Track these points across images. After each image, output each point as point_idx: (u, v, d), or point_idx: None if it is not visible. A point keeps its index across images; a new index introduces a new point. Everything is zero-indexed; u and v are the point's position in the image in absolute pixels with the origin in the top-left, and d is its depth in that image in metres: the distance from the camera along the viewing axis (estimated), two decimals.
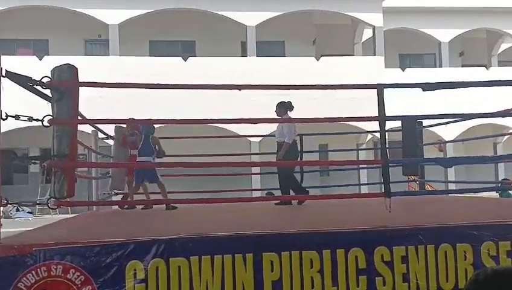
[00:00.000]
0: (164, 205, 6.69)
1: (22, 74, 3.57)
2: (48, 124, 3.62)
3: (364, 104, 15.86)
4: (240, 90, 4.46)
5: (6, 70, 3.31)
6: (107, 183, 7.52)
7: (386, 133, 4.25)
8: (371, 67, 17.97)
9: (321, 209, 5.60)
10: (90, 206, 8.03)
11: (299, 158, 6.97)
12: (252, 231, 3.34)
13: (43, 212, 16.75)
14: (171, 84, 4.58)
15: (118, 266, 3.01)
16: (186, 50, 19.75)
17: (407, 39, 21.26)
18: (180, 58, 17.72)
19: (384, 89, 4.13)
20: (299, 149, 6.88)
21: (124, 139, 7.14)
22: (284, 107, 6.80)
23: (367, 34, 20.08)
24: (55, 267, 2.95)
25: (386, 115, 4.18)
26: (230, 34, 19.36)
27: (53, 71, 3.74)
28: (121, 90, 15.12)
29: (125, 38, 18.10)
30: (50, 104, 3.80)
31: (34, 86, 3.70)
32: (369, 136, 18.33)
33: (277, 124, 7.02)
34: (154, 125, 7.40)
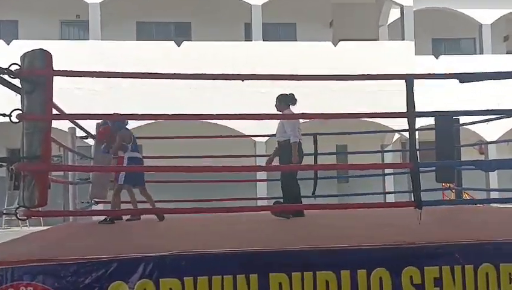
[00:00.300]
0: (153, 215, 6.72)
1: None
2: (17, 120, 3.64)
3: (391, 97, 15.90)
4: (243, 80, 4.47)
5: None
6: (86, 190, 7.54)
7: (416, 132, 4.25)
8: (399, 54, 17.94)
9: (339, 222, 5.60)
10: (66, 217, 8.05)
11: (302, 162, 6.90)
12: (257, 248, 3.34)
13: (10, 224, 16.83)
14: (162, 74, 4.57)
15: (99, 288, 3.02)
16: (180, 33, 19.78)
17: (441, 21, 21.21)
18: (173, 42, 17.75)
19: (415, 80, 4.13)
20: (304, 150, 6.82)
21: (101, 135, 7.08)
22: (285, 100, 6.78)
23: (394, 14, 20.04)
24: (24, 288, 2.97)
25: (417, 110, 4.17)
26: (232, 15, 19.38)
27: (23, 57, 3.75)
28: (102, 81, 15.18)
29: (108, 19, 18.15)
30: (19, 96, 3.81)
31: (0, 75, 3.71)
32: (396, 135, 18.30)
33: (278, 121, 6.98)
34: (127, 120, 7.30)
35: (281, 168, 6.65)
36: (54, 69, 3.80)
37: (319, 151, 8.58)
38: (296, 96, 6.80)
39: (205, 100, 15.73)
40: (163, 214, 6.65)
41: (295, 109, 6.81)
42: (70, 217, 7.45)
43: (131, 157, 6.90)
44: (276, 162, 6.96)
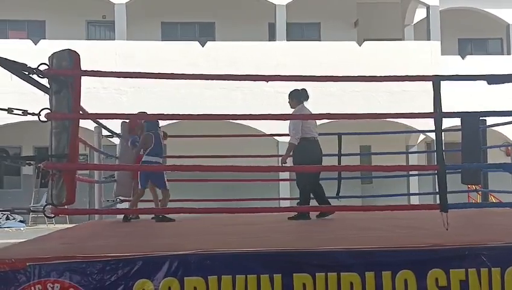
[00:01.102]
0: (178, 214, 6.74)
1: (16, 61, 3.64)
2: (46, 119, 3.69)
3: (416, 97, 15.76)
4: (267, 81, 4.48)
5: None
6: (112, 189, 7.62)
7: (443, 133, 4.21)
8: (425, 54, 17.79)
9: (363, 223, 5.57)
10: (91, 215, 8.15)
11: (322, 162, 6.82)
12: (281, 248, 3.34)
13: (36, 222, 17.07)
14: (186, 74, 4.60)
15: (124, 285, 3.05)
16: (204, 33, 19.87)
17: (468, 21, 20.97)
18: (197, 42, 17.84)
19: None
20: (327, 151, 6.74)
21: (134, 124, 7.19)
22: (297, 96, 6.76)
23: (420, 14, 19.87)
24: (51, 285, 3.01)
25: (443, 111, 4.14)
26: (256, 15, 19.40)
27: (51, 57, 3.80)
28: (127, 81, 15.33)
29: (134, 19, 18.31)
30: (48, 95, 3.87)
31: (29, 75, 3.77)
32: (422, 136, 18.15)
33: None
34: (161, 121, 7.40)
35: (306, 169, 6.60)
36: (82, 69, 3.85)
37: (342, 152, 8.54)
38: (308, 93, 6.76)
39: (229, 100, 15.76)
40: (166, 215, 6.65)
41: (308, 105, 6.79)
42: (96, 215, 7.54)
43: (145, 161, 6.91)
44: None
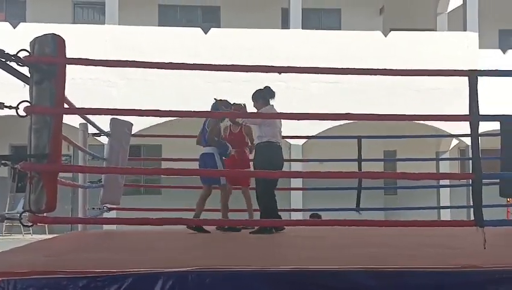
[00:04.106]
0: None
1: None
2: (25, 114, 3.70)
3: (449, 97, 15.73)
4: (279, 73, 4.48)
5: None
6: (98, 195, 7.62)
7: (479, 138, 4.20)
8: (460, 47, 17.76)
9: (386, 240, 5.56)
10: (74, 225, 8.17)
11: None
12: (292, 266, 3.34)
13: (11, 231, 17.10)
14: (187, 64, 4.57)
15: None
16: (208, 18, 19.91)
17: (510, 10, 20.92)
18: (199, 29, 17.88)
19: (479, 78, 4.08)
20: (346, 156, 6.77)
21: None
22: (263, 96, 6.81)
23: (455, 1, 19.85)
24: None
25: (480, 113, 4.13)
26: None
27: (33, 43, 3.82)
28: (118, 71, 15.36)
29: (127, 1, 18.37)
30: (28, 86, 3.88)
31: (7, 62, 3.77)
32: (454, 141, 18.10)
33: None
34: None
35: (322, 175, 6.58)
36: (67, 56, 3.86)
37: (363, 157, 8.52)
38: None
39: (236, 94, 15.75)
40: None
41: (274, 102, 6.82)
42: (79, 226, 7.55)
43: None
44: None
